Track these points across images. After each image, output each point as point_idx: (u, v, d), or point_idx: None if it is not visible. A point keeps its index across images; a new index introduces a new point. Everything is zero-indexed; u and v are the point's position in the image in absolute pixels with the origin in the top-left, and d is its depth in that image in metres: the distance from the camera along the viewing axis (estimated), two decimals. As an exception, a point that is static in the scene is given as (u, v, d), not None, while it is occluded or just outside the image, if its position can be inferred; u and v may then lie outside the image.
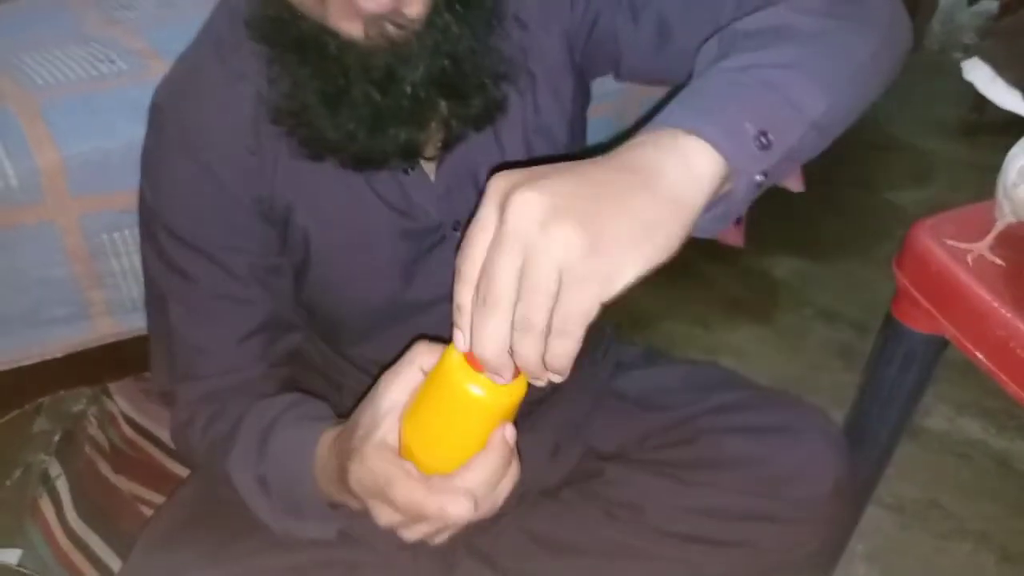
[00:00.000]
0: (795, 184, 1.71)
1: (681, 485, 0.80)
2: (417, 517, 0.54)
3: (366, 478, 0.55)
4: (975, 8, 2.24)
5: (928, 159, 1.90)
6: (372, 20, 0.57)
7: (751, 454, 0.80)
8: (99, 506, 1.00)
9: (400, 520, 0.55)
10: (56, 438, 1.07)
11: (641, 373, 0.90)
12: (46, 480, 1.04)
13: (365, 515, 0.58)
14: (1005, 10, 2.20)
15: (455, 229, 0.73)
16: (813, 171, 1.77)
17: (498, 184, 0.44)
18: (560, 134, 0.76)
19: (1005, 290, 0.72)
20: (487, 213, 0.44)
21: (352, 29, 0.58)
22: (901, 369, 0.85)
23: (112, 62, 1.05)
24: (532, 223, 0.42)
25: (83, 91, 1.00)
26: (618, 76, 0.77)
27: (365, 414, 0.57)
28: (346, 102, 0.61)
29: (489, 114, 0.67)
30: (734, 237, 1.69)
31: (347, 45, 0.59)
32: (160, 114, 0.69)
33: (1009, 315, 0.70)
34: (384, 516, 0.56)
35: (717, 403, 0.83)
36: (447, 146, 0.69)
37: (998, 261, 0.74)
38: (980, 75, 0.72)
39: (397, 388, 0.55)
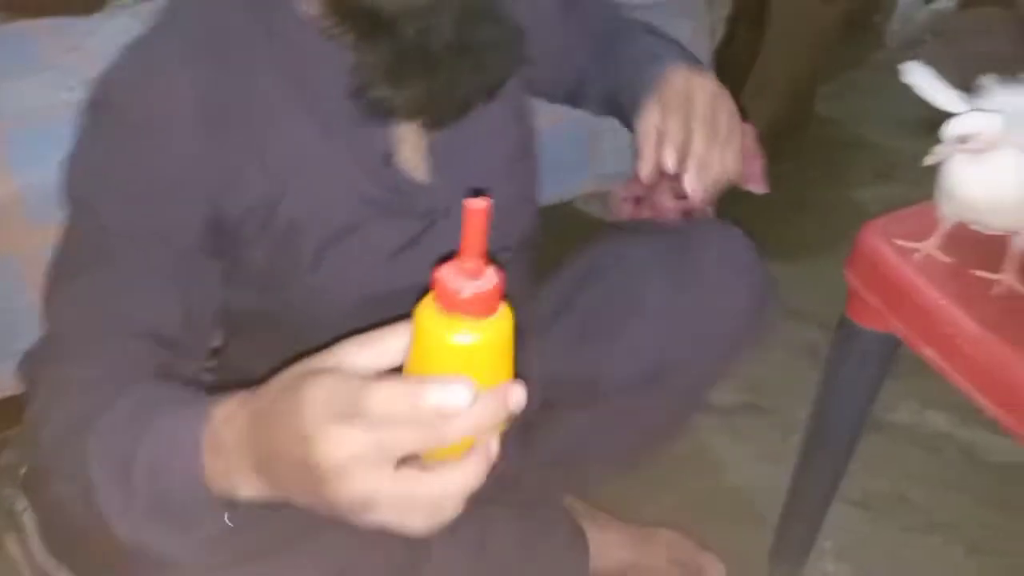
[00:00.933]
0: (759, 186, 1.73)
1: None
2: (406, 440, 0.40)
3: (308, 422, 0.41)
4: (933, 6, 2.28)
5: (891, 156, 1.92)
6: None
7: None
8: (67, 540, 0.99)
9: (369, 480, 0.40)
10: (22, 471, 1.06)
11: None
12: (12, 514, 1.03)
13: (277, 508, 0.47)
14: (962, 8, 2.24)
15: (445, 216, 0.73)
16: (779, 171, 1.79)
17: None
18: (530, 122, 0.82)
19: (951, 288, 0.74)
20: None
21: None
22: (857, 368, 0.87)
23: (71, 90, 1.05)
24: None
25: (42, 119, 1.00)
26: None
27: (295, 368, 0.45)
28: (433, 61, 0.64)
29: (498, 85, 0.70)
30: (756, 182, 1.70)
31: (424, 3, 0.62)
32: (108, 106, 0.65)
33: (955, 312, 0.72)
34: (343, 488, 0.41)
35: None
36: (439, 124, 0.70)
37: (945, 259, 0.76)
38: (919, 77, 0.74)
39: (364, 355, 0.44)
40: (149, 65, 0.64)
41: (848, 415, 0.91)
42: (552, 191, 0.96)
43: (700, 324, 0.82)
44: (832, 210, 1.76)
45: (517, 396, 0.41)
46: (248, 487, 0.47)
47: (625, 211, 0.88)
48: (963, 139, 0.67)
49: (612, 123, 0.87)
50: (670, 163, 0.72)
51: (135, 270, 0.63)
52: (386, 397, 0.39)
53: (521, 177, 0.82)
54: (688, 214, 0.85)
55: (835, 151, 1.97)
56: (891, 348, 0.82)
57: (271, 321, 0.75)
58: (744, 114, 1.83)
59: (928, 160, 0.69)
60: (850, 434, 0.92)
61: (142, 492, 0.51)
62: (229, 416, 0.47)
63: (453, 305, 0.40)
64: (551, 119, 0.97)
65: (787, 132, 1.88)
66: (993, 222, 0.71)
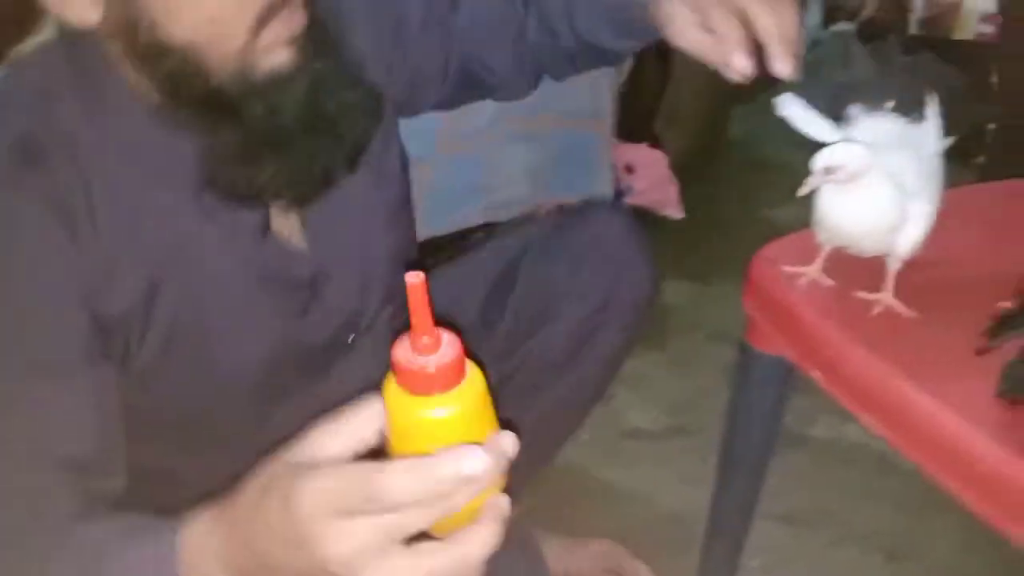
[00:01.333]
0: (675, 211, 1.77)
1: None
2: (417, 520, 0.39)
3: (307, 525, 0.39)
4: (836, 28, 2.37)
5: (804, 177, 1.99)
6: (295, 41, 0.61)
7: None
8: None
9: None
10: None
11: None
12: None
13: None
14: (863, 29, 2.33)
15: (326, 281, 0.73)
16: (693, 194, 1.84)
17: None
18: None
19: (833, 310, 0.77)
20: None
21: (279, 57, 0.60)
22: (759, 390, 0.90)
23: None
24: None
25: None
26: None
27: (269, 470, 0.43)
28: (283, 139, 0.62)
29: (359, 152, 0.68)
30: (672, 207, 1.74)
31: (269, 81, 0.60)
32: None
33: (836, 335, 0.75)
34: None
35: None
36: (312, 193, 0.68)
37: (828, 282, 0.79)
38: (791, 109, 0.77)
39: (337, 443, 0.42)
40: None
41: (756, 436, 0.93)
42: (444, 222, 0.95)
43: (606, 293, 0.88)
44: (746, 230, 1.81)
45: (510, 443, 0.41)
46: None
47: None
48: (829, 170, 0.70)
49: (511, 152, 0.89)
50: (741, 64, 0.66)
51: (30, 398, 0.58)
52: (403, 483, 0.38)
53: (404, 226, 0.83)
54: None
55: (749, 172, 2.03)
56: (789, 371, 0.85)
57: (173, 417, 0.72)
58: (657, 142, 1.87)
59: (800, 191, 0.72)
60: (760, 454, 0.94)
61: None
62: (203, 538, 0.44)
63: (424, 386, 0.40)
64: (449, 148, 0.97)
65: (700, 157, 1.93)
66: (864, 247, 0.75)
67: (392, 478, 0.38)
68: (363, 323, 0.79)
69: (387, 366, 0.41)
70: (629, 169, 1.70)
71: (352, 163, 0.68)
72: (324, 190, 0.67)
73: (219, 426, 0.74)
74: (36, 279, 0.59)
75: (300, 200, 0.68)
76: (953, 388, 0.67)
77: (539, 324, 0.89)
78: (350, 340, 0.78)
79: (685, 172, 1.80)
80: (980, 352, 0.66)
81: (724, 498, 1.01)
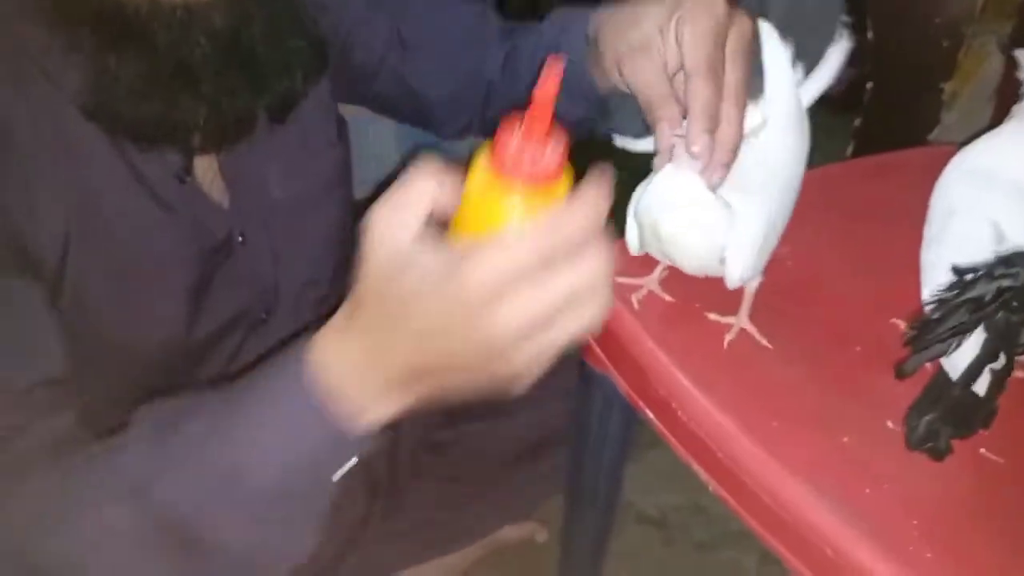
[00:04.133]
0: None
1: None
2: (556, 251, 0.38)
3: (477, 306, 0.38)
4: None
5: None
6: None
7: None
8: None
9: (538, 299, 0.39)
10: None
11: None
12: None
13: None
14: None
15: (244, 243, 0.67)
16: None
17: None
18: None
19: (669, 338, 0.63)
20: None
21: None
22: (599, 414, 0.76)
23: None
24: None
25: None
26: None
27: (372, 265, 0.40)
28: (195, 74, 0.56)
29: (288, 104, 0.63)
30: None
31: (180, 11, 0.54)
32: None
33: (672, 370, 0.61)
34: (513, 315, 0.38)
35: None
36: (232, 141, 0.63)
37: (668, 299, 0.65)
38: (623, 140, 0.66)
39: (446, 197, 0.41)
40: None
41: (600, 465, 0.80)
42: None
43: None
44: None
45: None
46: (382, 409, 0.43)
47: None
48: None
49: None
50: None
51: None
52: (579, 217, 0.38)
53: (337, 203, 0.76)
54: None
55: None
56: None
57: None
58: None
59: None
60: (608, 485, 0.81)
61: (259, 496, 0.44)
62: (336, 350, 0.42)
63: (528, 173, 0.39)
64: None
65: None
66: (687, 270, 0.61)
67: (569, 215, 0.38)
68: (281, 300, 0.73)
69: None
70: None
71: (278, 112, 0.63)
72: (239, 135, 0.62)
73: (125, 387, 0.64)
74: None
75: (210, 143, 0.61)
76: (813, 460, 0.54)
77: None
78: (263, 316, 0.72)
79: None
80: (900, 377, 0.54)
81: (575, 533, 0.89)
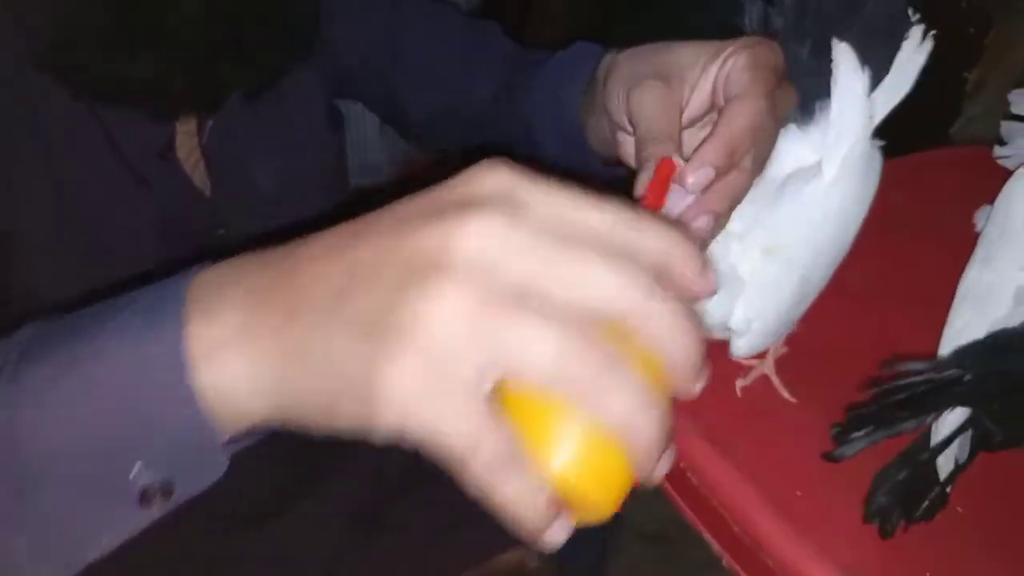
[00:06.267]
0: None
1: None
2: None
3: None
4: None
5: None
6: None
7: None
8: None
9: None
10: None
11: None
12: None
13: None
14: None
15: (223, 231, 0.64)
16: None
17: None
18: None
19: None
20: None
21: None
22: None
23: None
24: None
25: None
26: None
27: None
28: (174, 34, 0.52)
29: (266, 79, 0.60)
30: None
31: None
32: None
33: (679, 418, 0.55)
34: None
35: None
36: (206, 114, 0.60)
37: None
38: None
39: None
40: None
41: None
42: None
43: None
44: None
45: None
46: (228, 358, 0.30)
47: None
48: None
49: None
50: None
51: None
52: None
53: (331, 199, 0.71)
54: None
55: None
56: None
57: None
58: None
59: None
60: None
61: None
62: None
63: None
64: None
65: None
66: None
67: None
68: None
69: None
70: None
71: (258, 87, 0.60)
72: (214, 105, 0.59)
73: None
74: None
75: (183, 109, 0.58)
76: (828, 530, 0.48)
77: None
78: None
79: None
80: (830, 460, 0.48)
81: (573, 554, 0.84)
